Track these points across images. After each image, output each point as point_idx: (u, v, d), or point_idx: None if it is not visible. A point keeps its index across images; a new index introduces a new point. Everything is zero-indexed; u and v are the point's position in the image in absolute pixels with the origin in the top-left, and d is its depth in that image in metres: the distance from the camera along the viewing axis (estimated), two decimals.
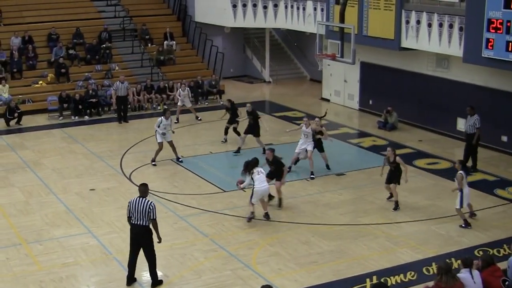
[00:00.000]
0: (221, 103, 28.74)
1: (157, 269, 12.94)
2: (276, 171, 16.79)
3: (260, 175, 15.58)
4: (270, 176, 16.71)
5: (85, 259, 13.98)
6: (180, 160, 20.45)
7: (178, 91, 26.13)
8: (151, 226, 12.51)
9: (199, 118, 25.75)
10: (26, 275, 13.26)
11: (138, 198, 12.49)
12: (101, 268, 13.60)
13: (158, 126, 20.05)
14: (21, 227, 15.65)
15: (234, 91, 31.16)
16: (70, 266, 13.64)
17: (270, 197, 16.76)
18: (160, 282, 12.91)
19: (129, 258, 12.78)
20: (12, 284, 12.94)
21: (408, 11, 22.65)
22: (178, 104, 25.87)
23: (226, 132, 22.61)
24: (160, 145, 20.15)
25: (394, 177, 16.75)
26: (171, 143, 20.32)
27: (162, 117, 20.19)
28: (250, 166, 15.60)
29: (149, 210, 12.33)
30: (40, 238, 15.04)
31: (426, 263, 13.66)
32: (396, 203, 16.76)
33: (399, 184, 16.79)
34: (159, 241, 12.76)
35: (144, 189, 12.67)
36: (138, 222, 12.42)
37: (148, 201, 12.46)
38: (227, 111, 22.65)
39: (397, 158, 16.68)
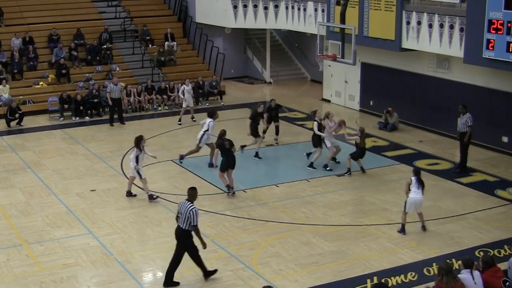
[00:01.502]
0: (222, 104, 28.78)
1: (160, 271, 12.94)
2: (228, 158, 17.45)
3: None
4: (222, 168, 17.55)
5: (86, 260, 13.99)
6: (215, 166, 19.90)
7: (182, 87, 25.78)
8: (193, 233, 12.48)
9: (194, 119, 25.51)
10: (27, 276, 13.27)
11: (185, 201, 12.48)
12: (102, 269, 13.60)
13: (207, 130, 19.77)
14: (22, 228, 15.66)
15: (235, 92, 31.19)
16: (70, 267, 13.65)
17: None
18: (176, 283, 12.81)
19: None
20: (12, 284, 12.95)
21: (409, 12, 22.66)
22: (183, 105, 25.66)
23: (265, 132, 22.41)
24: (199, 148, 19.99)
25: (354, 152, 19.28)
26: (212, 146, 19.87)
27: (211, 119, 19.88)
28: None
29: (189, 215, 12.28)
30: (40, 238, 15.05)
31: (427, 263, 13.66)
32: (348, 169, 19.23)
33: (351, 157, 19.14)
34: (204, 247, 12.62)
35: (191, 193, 12.59)
36: (179, 223, 12.49)
37: (191, 206, 12.35)
38: (272, 111, 22.18)
39: (355, 138, 19.06)
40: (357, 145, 19.20)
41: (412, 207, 15.07)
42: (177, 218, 12.61)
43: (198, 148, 20.09)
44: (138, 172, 17.18)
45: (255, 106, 21.80)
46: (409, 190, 15.03)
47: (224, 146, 17.58)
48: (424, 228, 15.38)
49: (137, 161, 17.05)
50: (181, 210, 12.45)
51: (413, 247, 14.53)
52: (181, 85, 26.15)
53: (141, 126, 25.37)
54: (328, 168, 19.61)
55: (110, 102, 25.45)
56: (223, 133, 17.90)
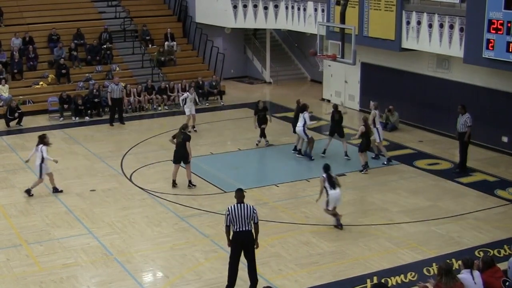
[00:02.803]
0: (222, 103, 28.77)
1: (160, 271, 12.92)
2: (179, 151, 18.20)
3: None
4: (174, 161, 18.37)
5: (86, 259, 13.99)
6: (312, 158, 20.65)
7: (186, 94, 24.54)
8: (253, 230, 12.29)
9: (194, 129, 24.01)
10: (27, 276, 13.27)
11: (237, 205, 12.16)
12: (102, 269, 13.60)
13: (305, 123, 20.37)
14: (22, 228, 15.66)
15: (235, 92, 31.18)
16: (70, 267, 13.65)
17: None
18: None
19: (232, 266, 12.40)
20: (12, 284, 12.94)
21: (409, 12, 22.65)
22: (187, 113, 24.09)
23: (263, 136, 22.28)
24: (312, 140, 20.63)
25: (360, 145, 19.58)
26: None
27: (306, 111, 20.49)
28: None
29: (254, 214, 12.10)
30: (40, 238, 15.04)
31: (427, 263, 13.66)
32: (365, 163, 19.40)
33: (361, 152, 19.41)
34: (257, 247, 12.47)
35: (241, 194, 12.38)
36: (243, 228, 12.11)
37: (250, 206, 12.22)
38: (259, 112, 21.79)
39: (360, 128, 19.33)
40: (363, 134, 19.29)
41: (333, 202, 15.18)
42: (228, 227, 12.22)
43: (312, 140, 20.48)
44: (41, 170, 17.60)
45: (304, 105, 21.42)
46: (325, 187, 15.16)
47: (178, 138, 18.21)
48: (339, 224, 15.46)
49: (43, 159, 17.56)
50: (235, 215, 12.05)
51: (413, 247, 14.52)
52: (185, 91, 25.61)
53: (141, 126, 25.37)
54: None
55: (110, 102, 25.44)
56: (184, 126, 18.55)
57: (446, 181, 18.84)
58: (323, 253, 14.29)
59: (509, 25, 18.44)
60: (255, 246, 12.42)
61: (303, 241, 14.83)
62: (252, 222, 12.15)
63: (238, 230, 12.14)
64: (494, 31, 18.88)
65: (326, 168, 15.34)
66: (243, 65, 34.99)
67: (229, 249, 12.41)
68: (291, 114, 26.03)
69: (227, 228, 12.25)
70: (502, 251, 14.20)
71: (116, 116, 25.50)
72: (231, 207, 12.18)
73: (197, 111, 26.67)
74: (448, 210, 16.64)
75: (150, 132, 24.01)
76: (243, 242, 12.24)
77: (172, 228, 15.66)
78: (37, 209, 16.85)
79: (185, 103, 24.24)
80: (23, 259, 14.05)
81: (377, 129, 20.19)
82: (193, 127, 24.06)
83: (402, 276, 13.15)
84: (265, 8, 29.94)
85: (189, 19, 33.32)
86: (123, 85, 26.87)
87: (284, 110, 27.22)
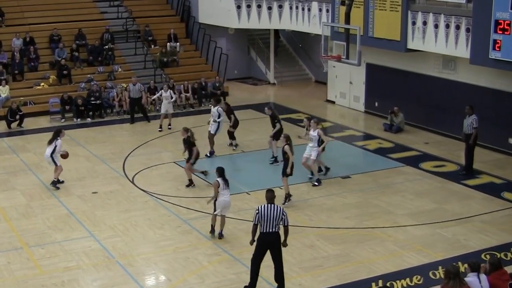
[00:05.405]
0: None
1: (162, 274, 12.76)
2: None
3: None
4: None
5: (87, 263, 13.87)
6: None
7: (160, 91, 25.10)
8: (281, 232, 12.22)
9: (169, 127, 24.40)
10: (28, 279, 13.15)
11: (267, 205, 12.11)
12: (104, 272, 13.47)
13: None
14: (23, 231, 15.54)
15: (238, 93, 31.05)
16: (72, 270, 13.53)
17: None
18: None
19: (254, 266, 12.36)
20: None
21: (415, 12, 22.50)
22: (162, 111, 24.69)
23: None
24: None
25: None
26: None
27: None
28: None
29: (283, 216, 12.06)
30: (41, 241, 14.93)
31: (433, 267, 13.52)
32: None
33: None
34: (285, 246, 12.45)
35: (272, 195, 12.31)
36: (270, 230, 12.05)
37: (280, 207, 12.16)
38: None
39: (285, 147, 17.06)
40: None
41: (221, 207, 14.72)
42: (256, 226, 12.17)
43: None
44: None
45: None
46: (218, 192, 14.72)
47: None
48: (220, 235, 14.98)
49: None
50: (264, 214, 12.00)
51: (418, 250, 14.38)
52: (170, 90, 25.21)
53: (142, 127, 25.22)
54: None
55: (127, 102, 26.20)
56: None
57: (452, 183, 18.67)
58: (327, 256, 14.14)
59: None
60: (282, 246, 12.35)
61: (307, 244, 14.68)
62: (281, 224, 12.10)
63: (265, 231, 12.10)
64: (500, 32, 18.72)
65: (221, 172, 14.80)
66: (247, 66, 34.85)
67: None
68: (295, 116, 26.03)
69: (254, 226, 12.22)
70: (509, 254, 14.07)
71: (138, 115, 25.82)
72: (261, 206, 12.15)
73: (200, 112, 26.52)
74: (454, 212, 16.48)
75: (152, 134, 23.86)
76: (268, 244, 12.21)
77: (175, 230, 15.51)
78: (38, 212, 16.72)
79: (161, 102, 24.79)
80: (24, 262, 13.93)
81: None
82: (169, 125, 24.48)
83: (407, 279, 13.01)
84: (269, 8, 29.78)
85: (192, 20, 33.20)
86: (124, 85, 27.09)
87: (288, 112, 27.04)
